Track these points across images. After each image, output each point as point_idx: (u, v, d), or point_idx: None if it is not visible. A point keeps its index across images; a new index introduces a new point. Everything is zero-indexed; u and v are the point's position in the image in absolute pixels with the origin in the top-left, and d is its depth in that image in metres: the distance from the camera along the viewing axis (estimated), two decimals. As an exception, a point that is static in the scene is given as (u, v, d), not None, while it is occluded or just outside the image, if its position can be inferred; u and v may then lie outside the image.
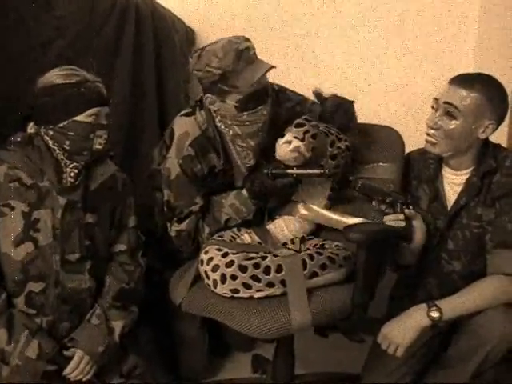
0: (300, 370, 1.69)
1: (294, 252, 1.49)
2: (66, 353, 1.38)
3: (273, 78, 1.62)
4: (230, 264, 1.38)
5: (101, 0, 1.80)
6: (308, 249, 1.56)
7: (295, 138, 1.53)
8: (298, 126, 1.54)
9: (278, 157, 1.56)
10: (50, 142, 1.38)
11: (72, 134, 1.35)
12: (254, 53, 1.55)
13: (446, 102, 1.43)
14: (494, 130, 1.44)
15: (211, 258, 1.42)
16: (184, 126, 1.62)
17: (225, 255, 1.41)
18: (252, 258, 1.39)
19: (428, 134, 1.48)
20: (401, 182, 1.63)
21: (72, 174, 1.39)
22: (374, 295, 1.46)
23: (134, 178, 1.57)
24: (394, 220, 1.48)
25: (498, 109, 1.42)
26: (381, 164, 1.67)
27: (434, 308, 1.36)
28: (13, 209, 1.34)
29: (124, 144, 1.83)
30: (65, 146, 1.36)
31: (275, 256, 1.41)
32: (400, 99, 2.36)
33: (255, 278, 1.36)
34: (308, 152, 1.54)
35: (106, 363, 1.43)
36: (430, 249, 1.54)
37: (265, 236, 1.65)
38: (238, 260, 1.38)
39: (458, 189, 1.51)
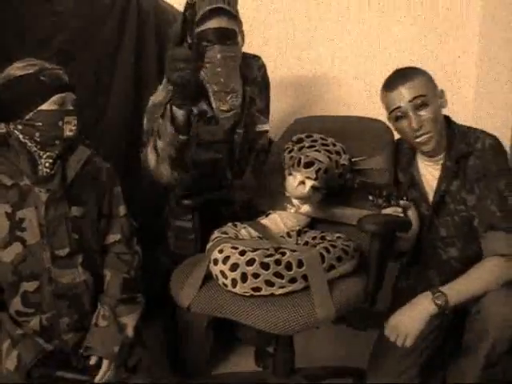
0: (301, 364, 1.69)
1: (307, 246, 1.49)
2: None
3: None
4: (251, 262, 1.35)
5: (101, -5, 1.75)
6: (307, 242, 1.58)
7: (308, 178, 1.55)
8: (308, 165, 1.57)
9: (292, 197, 1.62)
10: (21, 137, 1.36)
11: (40, 124, 1.34)
12: (224, 0, 1.67)
13: (412, 99, 1.47)
14: (445, 95, 1.54)
15: (228, 257, 1.38)
16: None
17: (242, 253, 1.37)
18: (271, 255, 1.37)
19: (417, 137, 1.50)
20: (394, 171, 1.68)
21: (47, 165, 1.37)
22: (382, 286, 1.51)
23: (137, 171, 1.54)
24: (392, 212, 1.52)
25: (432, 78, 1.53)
26: (373, 157, 1.71)
27: (439, 294, 1.40)
28: None
29: (127, 139, 1.75)
30: (36, 138, 1.35)
31: (293, 251, 1.40)
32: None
33: (278, 275, 1.34)
34: (322, 187, 1.59)
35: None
36: (421, 237, 1.59)
37: (263, 230, 1.64)
38: (259, 257, 1.35)
39: (437, 174, 1.56)
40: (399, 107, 1.49)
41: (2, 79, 1.34)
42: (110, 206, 1.53)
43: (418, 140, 1.51)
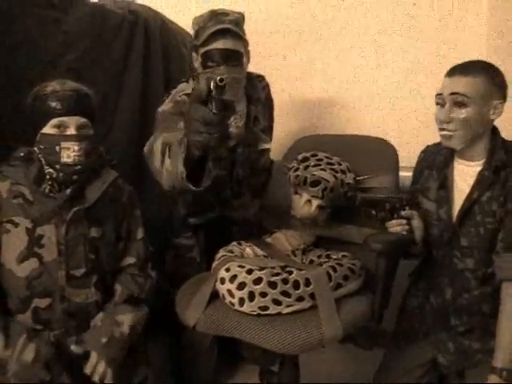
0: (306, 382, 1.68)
1: (312, 265, 1.50)
2: (74, 349, 1.35)
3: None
4: (258, 281, 1.35)
5: (110, 15, 1.81)
6: (312, 260, 1.59)
7: (314, 197, 1.58)
8: (314, 184, 1.59)
9: (299, 216, 1.63)
10: (38, 152, 1.37)
11: (42, 147, 1.35)
12: (231, 21, 1.68)
13: (453, 93, 1.45)
14: (503, 108, 1.48)
15: (235, 276, 1.38)
16: (179, 87, 1.79)
17: (249, 272, 1.38)
18: (279, 274, 1.37)
19: (442, 129, 1.48)
20: (413, 178, 1.67)
21: (49, 183, 1.37)
22: (388, 304, 1.51)
23: (143, 191, 1.55)
24: (397, 225, 1.51)
25: (501, 87, 1.47)
26: (376, 176, 1.72)
27: (499, 371, 1.35)
28: (16, 225, 1.33)
29: (133, 158, 1.76)
30: (44, 159, 1.35)
31: (300, 270, 1.41)
32: (408, 100, 2.38)
33: (285, 294, 1.35)
34: (328, 205, 1.61)
35: (118, 361, 1.38)
36: (440, 245, 1.55)
37: (269, 249, 1.64)
38: (267, 276, 1.36)
39: (471, 181, 1.51)
40: (441, 94, 1.48)
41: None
42: (129, 229, 1.52)
43: (441, 132, 1.50)
